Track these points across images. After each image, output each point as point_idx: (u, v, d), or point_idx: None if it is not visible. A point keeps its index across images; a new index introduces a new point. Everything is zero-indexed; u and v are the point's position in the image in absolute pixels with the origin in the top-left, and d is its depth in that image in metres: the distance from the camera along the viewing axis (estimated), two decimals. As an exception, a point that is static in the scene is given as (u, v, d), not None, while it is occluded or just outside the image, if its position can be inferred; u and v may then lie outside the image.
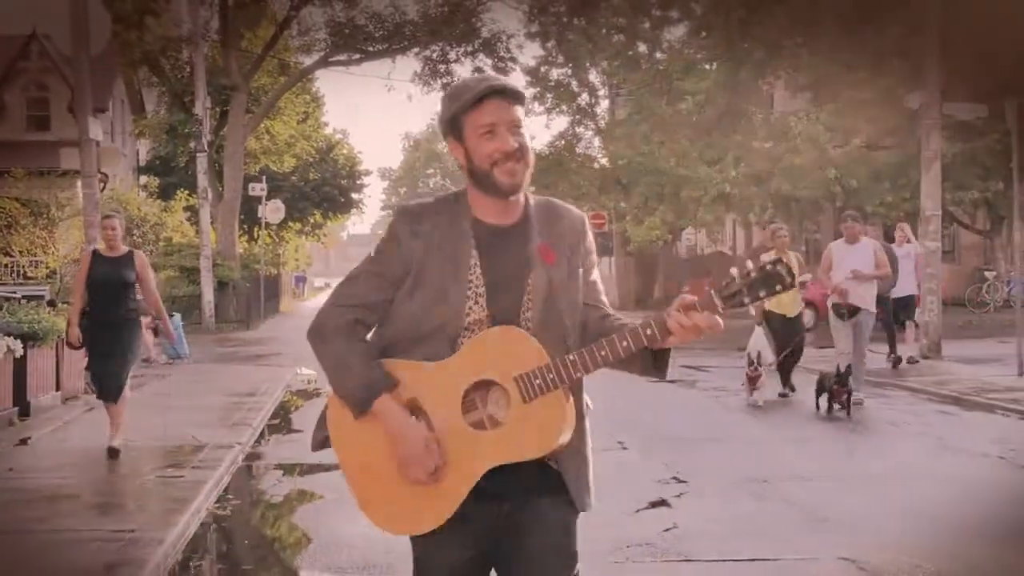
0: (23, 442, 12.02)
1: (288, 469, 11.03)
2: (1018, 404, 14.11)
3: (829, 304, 14.91)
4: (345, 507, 3.77)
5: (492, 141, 3.47)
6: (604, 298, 3.69)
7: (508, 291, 3.51)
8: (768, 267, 3.31)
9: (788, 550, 7.47)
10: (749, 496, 9.13)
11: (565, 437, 3.42)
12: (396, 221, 3.57)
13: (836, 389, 13.85)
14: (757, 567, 7.02)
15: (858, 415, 13.82)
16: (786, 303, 15.05)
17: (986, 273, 37.64)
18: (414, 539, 3.58)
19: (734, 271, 3.32)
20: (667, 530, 8.00)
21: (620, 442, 11.67)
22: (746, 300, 3.33)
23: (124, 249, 11.32)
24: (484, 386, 3.42)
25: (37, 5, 22.62)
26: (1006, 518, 8.52)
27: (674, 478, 9.82)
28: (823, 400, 14.04)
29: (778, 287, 3.31)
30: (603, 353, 3.35)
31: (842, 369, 13.94)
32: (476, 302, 3.48)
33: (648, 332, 3.33)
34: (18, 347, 13.13)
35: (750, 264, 3.33)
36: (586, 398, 3.56)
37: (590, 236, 3.70)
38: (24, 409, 13.51)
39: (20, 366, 13.50)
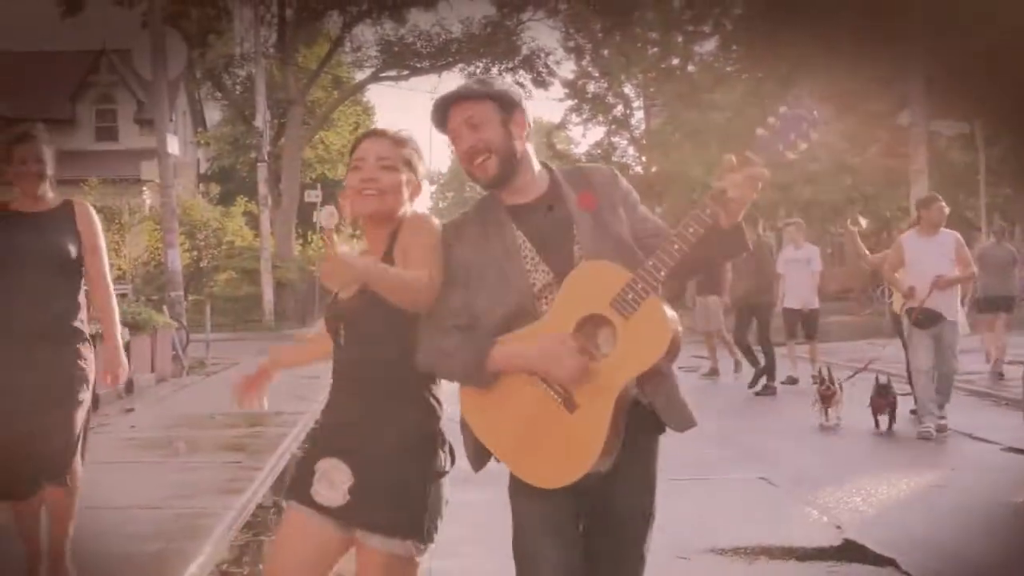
0: (129, 411, 14.72)
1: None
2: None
3: (903, 310, 12.25)
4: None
5: (458, 144, 3.75)
6: (662, 224, 3.77)
7: (560, 248, 3.65)
8: (788, 112, 3.46)
9: (724, 473, 10.17)
10: (710, 444, 11.57)
11: (676, 332, 3.51)
12: (443, 234, 3.74)
13: (876, 401, 12.23)
14: (695, 483, 9.54)
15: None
16: None
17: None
18: (514, 496, 3.70)
19: (759, 129, 3.46)
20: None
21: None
22: (780, 147, 3.45)
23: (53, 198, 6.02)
24: (588, 325, 3.52)
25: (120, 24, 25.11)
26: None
27: (655, 432, 12.22)
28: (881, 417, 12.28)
29: (805, 125, 3.44)
30: (676, 246, 3.44)
31: (882, 380, 12.23)
32: (537, 271, 3.64)
33: (708, 210, 3.45)
34: (125, 334, 15.77)
35: (772, 118, 3.47)
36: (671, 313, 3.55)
37: (624, 181, 3.83)
38: (128, 386, 16.15)
39: (125, 350, 16.15)
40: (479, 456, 3.69)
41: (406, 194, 3.84)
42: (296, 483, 3.80)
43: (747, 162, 3.41)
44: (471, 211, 3.86)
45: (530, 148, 3.80)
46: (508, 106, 3.72)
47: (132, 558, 7.15)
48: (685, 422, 3.70)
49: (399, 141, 3.84)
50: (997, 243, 18.04)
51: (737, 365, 18.22)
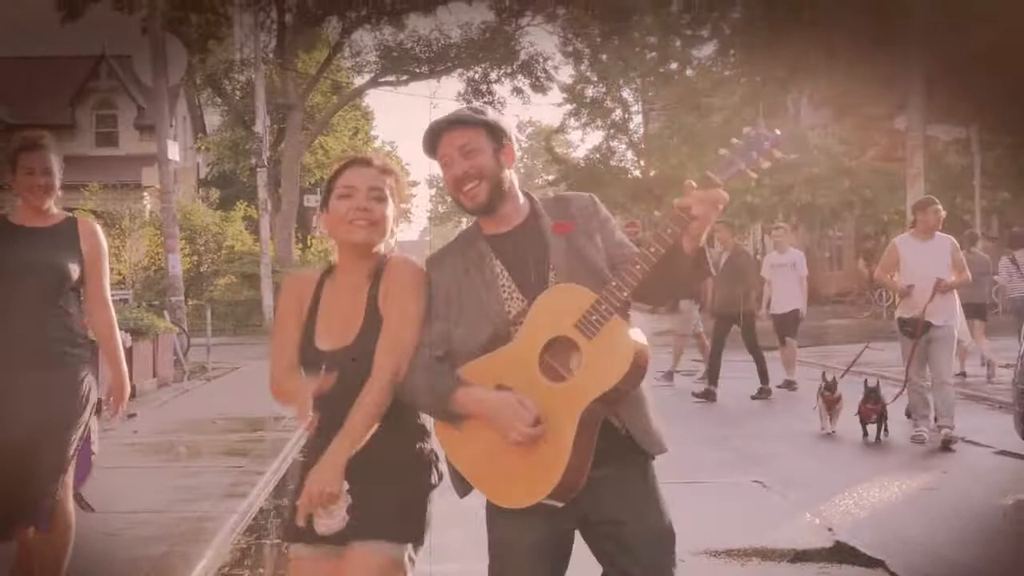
0: (131, 416, 14.81)
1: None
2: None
3: (896, 318, 11.96)
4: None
5: (448, 170, 3.77)
6: (638, 251, 3.70)
7: (537, 275, 3.71)
8: (751, 132, 3.53)
9: (718, 477, 10.28)
10: (705, 447, 11.76)
11: (640, 352, 3.55)
12: (427, 269, 3.86)
13: (864, 408, 11.97)
14: (689, 486, 9.62)
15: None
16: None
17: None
18: (493, 521, 3.77)
19: (722, 150, 3.52)
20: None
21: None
22: (743, 165, 3.49)
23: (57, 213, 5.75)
24: (555, 347, 3.57)
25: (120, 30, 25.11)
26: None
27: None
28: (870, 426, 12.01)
29: (767, 144, 3.50)
30: (637, 266, 3.50)
31: (870, 384, 11.93)
32: (512, 298, 3.70)
33: (668, 230, 3.48)
34: (127, 339, 15.89)
35: (734, 139, 3.52)
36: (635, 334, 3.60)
37: (603, 209, 3.88)
38: (131, 391, 16.27)
39: (127, 356, 16.25)
40: (463, 482, 3.76)
41: (391, 224, 3.91)
42: (293, 524, 3.83)
43: (708, 183, 3.46)
44: (453, 243, 3.95)
45: (514, 178, 3.86)
46: (499, 136, 3.78)
47: (136, 562, 7.29)
48: (658, 448, 3.77)
49: (386, 170, 3.90)
50: (969, 252, 18.15)
51: (668, 375, 18.19)
